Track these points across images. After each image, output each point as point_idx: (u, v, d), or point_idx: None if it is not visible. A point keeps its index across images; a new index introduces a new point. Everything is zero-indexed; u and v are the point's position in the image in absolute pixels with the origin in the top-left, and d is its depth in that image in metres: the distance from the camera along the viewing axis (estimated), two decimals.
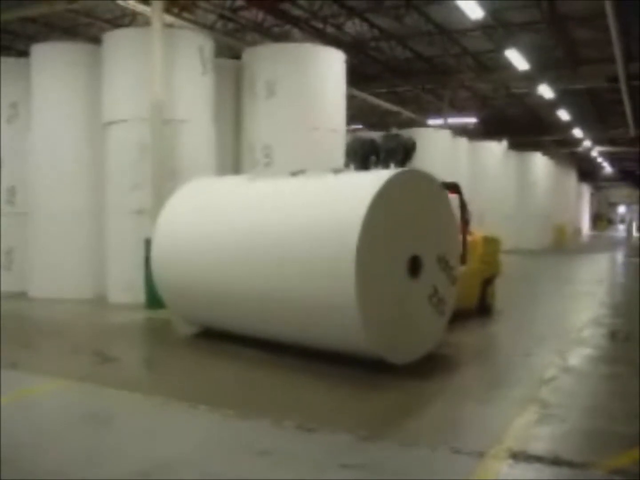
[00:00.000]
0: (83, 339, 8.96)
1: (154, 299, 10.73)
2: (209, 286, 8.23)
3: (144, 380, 7.01)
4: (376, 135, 9.59)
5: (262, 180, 8.97)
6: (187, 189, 9.29)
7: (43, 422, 5.45)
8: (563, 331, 9.54)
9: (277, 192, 8.27)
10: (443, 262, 7.39)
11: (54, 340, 8.70)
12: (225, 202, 8.72)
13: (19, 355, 7.62)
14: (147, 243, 10.49)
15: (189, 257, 8.51)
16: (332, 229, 6.77)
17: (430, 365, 7.39)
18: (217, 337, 9.12)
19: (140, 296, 10.86)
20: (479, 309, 10.50)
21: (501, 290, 11.26)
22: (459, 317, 9.57)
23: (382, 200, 6.63)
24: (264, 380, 6.76)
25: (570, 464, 4.45)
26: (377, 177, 6.93)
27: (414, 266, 7.04)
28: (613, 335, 9.16)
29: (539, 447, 4.76)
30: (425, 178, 7.40)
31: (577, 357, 8.01)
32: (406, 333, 6.98)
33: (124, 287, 11.40)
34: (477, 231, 11.03)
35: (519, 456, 4.55)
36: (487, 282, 10.69)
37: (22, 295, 12.41)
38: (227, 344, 8.66)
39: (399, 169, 7.33)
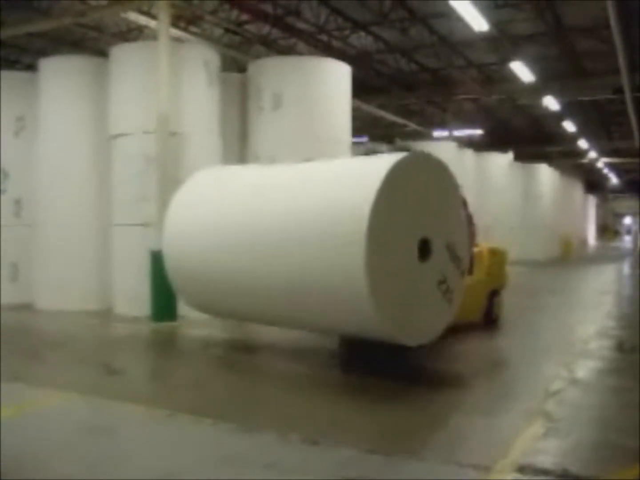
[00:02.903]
0: (88, 351, 8.97)
1: (159, 311, 10.78)
2: (221, 272, 8.22)
3: (149, 393, 7.01)
4: (387, 147, 9.67)
5: (272, 166, 9.04)
6: (197, 177, 9.33)
7: (47, 434, 5.44)
8: (569, 343, 9.50)
9: (287, 177, 8.34)
10: (452, 251, 7.42)
11: (59, 352, 8.71)
12: (237, 188, 8.76)
13: (24, 368, 7.64)
14: (153, 255, 10.53)
15: (201, 244, 8.51)
16: (343, 209, 6.81)
17: (436, 377, 7.39)
18: (222, 349, 9.14)
19: (146, 308, 10.87)
20: (486, 320, 10.48)
21: (508, 302, 11.23)
22: (466, 329, 9.57)
23: (392, 181, 6.67)
24: (268, 392, 6.76)
25: (576, 478, 4.43)
26: (387, 159, 6.99)
27: (424, 249, 7.08)
28: (619, 347, 9.12)
29: (545, 460, 4.74)
30: (436, 164, 7.45)
31: (584, 370, 7.97)
32: (416, 315, 6.99)
33: (130, 299, 11.42)
34: (483, 243, 11.03)
35: (525, 470, 4.53)
36: (494, 294, 10.67)
37: (28, 307, 12.44)
38: (232, 355, 8.69)
39: (410, 153, 7.37)
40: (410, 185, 6.99)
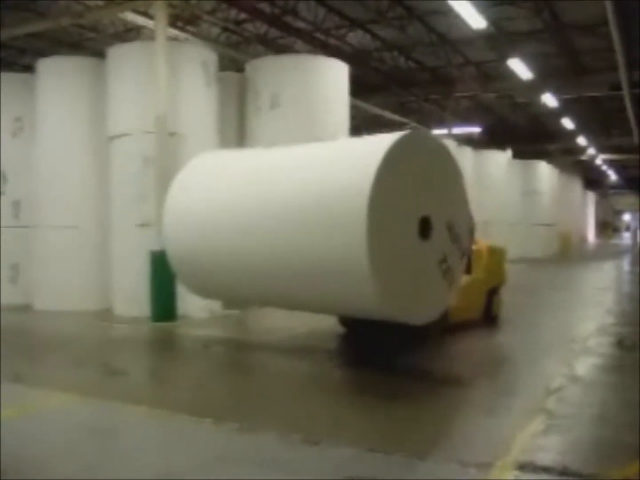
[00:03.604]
0: (88, 351, 8.96)
1: (159, 311, 10.78)
2: (221, 254, 8.21)
3: (149, 393, 7.00)
4: None
5: (271, 149, 9.08)
6: (197, 160, 9.31)
7: (47, 436, 5.43)
8: (569, 340, 9.49)
9: (287, 158, 8.36)
10: (452, 232, 7.45)
11: (59, 353, 8.70)
12: (237, 170, 8.76)
13: (24, 369, 7.63)
14: (153, 255, 10.53)
15: (201, 227, 8.50)
16: (344, 189, 6.82)
17: (436, 376, 7.38)
18: (222, 348, 9.14)
19: (146, 308, 10.86)
20: (485, 318, 10.47)
21: (507, 300, 11.23)
22: (465, 327, 9.58)
23: (392, 160, 6.70)
24: (269, 391, 6.75)
25: (577, 475, 4.43)
26: (386, 138, 7.02)
27: (425, 228, 7.11)
28: (619, 344, 9.12)
29: (546, 457, 4.74)
30: (436, 144, 7.48)
31: (584, 367, 7.97)
32: (416, 294, 7.02)
33: (129, 300, 11.41)
34: (482, 240, 11.03)
35: (526, 467, 4.53)
36: (493, 292, 10.66)
37: (27, 308, 12.45)
38: (232, 355, 8.69)
39: (409, 132, 7.39)
40: (410, 164, 7.01)
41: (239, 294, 8.83)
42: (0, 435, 5.12)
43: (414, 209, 7.04)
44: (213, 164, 9.24)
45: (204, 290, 9.22)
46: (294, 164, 8.04)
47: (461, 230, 7.62)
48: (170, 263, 9.13)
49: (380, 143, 6.92)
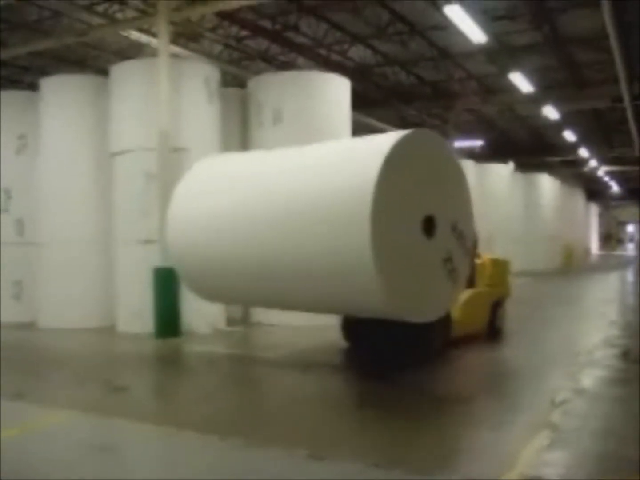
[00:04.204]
0: (92, 368, 8.95)
1: (163, 328, 10.78)
2: (227, 256, 8.21)
3: (153, 410, 6.99)
4: None
5: (274, 151, 9.14)
6: (200, 165, 9.34)
7: (49, 453, 5.41)
8: (574, 353, 9.47)
9: (291, 159, 8.38)
10: (457, 231, 7.47)
11: (63, 371, 8.69)
12: (240, 172, 8.78)
13: (27, 386, 7.63)
14: (156, 271, 10.55)
15: (206, 229, 8.51)
16: (347, 188, 6.85)
17: (441, 390, 7.36)
18: (227, 364, 9.12)
19: (149, 325, 10.87)
20: (489, 331, 10.45)
21: (511, 313, 11.20)
22: (470, 340, 9.56)
23: (395, 159, 6.74)
24: (274, 407, 6.74)
25: None
26: (389, 137, 7.07)
27: (429, 226, 7.14)
28: (624, 356, 9.09)
29: (551, 472, 4.72)
30: (440, 142, 7.54)
31: (589, 379, 7.94)
32: (421, 292, 7.04)
33: (133, 317, 11.41)
34: (486, 254, 11.02)
35: None
36: (497, 305, 10.65)
37: (31, 325, 12.44)
38: (237, 370, 8.68)
39: (412, 130, 7.43)
40: (413, 163, 7.06)
41: (244, 296, 8.86)
42: (1, 452, 5.10)
43: (418, 207, 7.09)
44: (216, 167, 9.28)
45: (207, 293, 9.21)
46: (297, 165, 8.07)
47: (465, 229, 7.65)
48: (175, 269, 9.14)
49: (383, 142, 6.97)
